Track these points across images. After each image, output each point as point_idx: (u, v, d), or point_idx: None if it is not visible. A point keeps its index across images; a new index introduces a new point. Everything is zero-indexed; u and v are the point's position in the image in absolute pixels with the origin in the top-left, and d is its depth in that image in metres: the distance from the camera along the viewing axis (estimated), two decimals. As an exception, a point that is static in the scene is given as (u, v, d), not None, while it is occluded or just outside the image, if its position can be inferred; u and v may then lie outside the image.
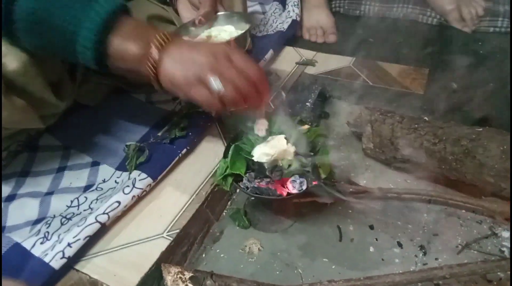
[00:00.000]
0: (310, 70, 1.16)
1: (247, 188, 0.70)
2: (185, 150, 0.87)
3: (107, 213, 0.73)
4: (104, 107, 1.01)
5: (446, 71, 0.95)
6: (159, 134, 0.88)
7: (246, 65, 0.69)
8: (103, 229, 0.72)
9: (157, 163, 0.83)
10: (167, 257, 0.71)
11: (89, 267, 0.68)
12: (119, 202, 0.74)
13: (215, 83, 0.65)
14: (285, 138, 0.70)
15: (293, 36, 1.31)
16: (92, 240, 0.71)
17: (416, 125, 0.81)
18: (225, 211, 0.84)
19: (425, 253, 0.74)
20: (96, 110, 1.01)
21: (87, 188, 0.83)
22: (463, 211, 0.80)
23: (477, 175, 0.74)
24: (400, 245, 0.76)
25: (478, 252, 0.73)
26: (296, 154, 0.71)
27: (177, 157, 0.85)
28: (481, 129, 0.75)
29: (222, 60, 0.67)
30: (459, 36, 1.24)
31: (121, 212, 0.75)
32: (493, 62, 0.92)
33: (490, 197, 0.76)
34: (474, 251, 0.73)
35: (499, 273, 0.64)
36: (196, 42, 0.73)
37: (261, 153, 0.68)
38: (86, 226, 0.70)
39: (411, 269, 0.72)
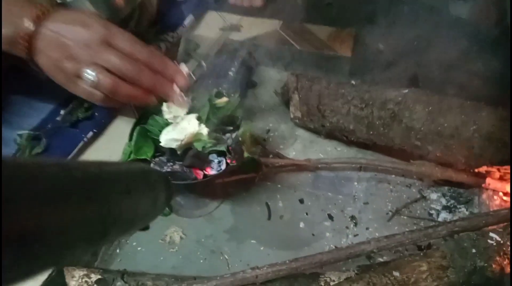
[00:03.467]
0: (235, 36, 1.06)
1: (159, 173, 0.62)
2: (91, 133, 0.76)
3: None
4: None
5: (373, 32, 0.91)
6: (59, 118, 0.76)
7: (133, 47, 0.60)
8: (-9, 234, 0.61)
9: (56, 152, 0.71)
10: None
11: (-27, 281, 0.57)
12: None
13: (90, 77, 0.58)
14: (198, 117, 0.61)
15: (216, -1, 1.20)
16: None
17: (343, 90, 0.77)
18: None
19: (356, 224, 0.71)
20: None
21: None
22: (393, 176, 0.78)
23: (404, 139, 0.72)
24: (331, 217, 0.72)
25: (408, 218, 0.72)
26: (212, 132, 0.63)
27: (82, 143, 0.74)
28: (406, 91, 0.71)
29: (97, 46, 0.59)
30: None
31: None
32: (420, 20, 0.89)
33: (418, 160, 0.74)
34: (404, 217, 0.72)
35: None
36: (74, 16, 0.62)
37: (169, 139, 0.59)
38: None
39: (342, 242, 0.69)
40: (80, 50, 0.59)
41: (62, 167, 0.22)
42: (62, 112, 0.78)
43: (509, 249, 0.51)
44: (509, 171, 0.69)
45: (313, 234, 0.70)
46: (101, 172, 0.25)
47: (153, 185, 0.30)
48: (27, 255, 0.18)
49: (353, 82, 0.82)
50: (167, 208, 0.72)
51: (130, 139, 0.63)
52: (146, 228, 0.37)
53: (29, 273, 0.19)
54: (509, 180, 0.68)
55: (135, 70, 0.61)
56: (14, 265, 0.17)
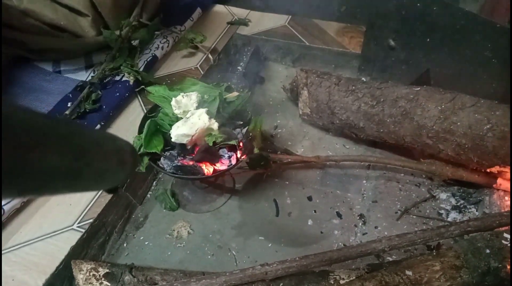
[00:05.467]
0: (243, 30, 1.05)
1: (168, 167, 0.61)
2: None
3: (1, 207, 0.61)
4: (2, 80, 0.86)
5: (384, 28, 0.89)
6: (67, 111, 0.75)
7: None
8: (-2, 226, 0.61)
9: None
10: (80, 252, 0.62)
11: (-20, 273, 0.57)
12: (17, 193, 0.62)
13: None
14: (208, 112, 0.60)
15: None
16: (-16, 240, 0.59)
17: (353, 87, 0.76)
18: (149, 193, 0.75)
19: (364, 222, 0.70)
20: (-9, 83, 0.85)
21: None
22: (402, 174, 0.78)
23: (415, 137, 0.71)
24: (339, 215, 0.71)
25: (417, 217, 0.71)
26: (222, 126, 0.62)
27: (89, 135, 0.73)
28: (419, 88, 0.70)
29: None
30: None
31: (21, 204, 0.63)
32: (432, 16, 0.87)
33: (428, 159, 0.73)
34: (414, 216, 0.71)
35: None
36: None
37: (180, 135, 0.58)
38: (-25, 224, 0.58)
39: (351, 240, 0.68)
40: None
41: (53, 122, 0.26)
42: (69, 104, 0.77)
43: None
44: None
45: (321, 232, 0.69)
46: (82, 129, 0.32)
47: (120, 146, 0.35)
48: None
49: (363, 78, 0.81)
50: (174, 203, 0.72)
51: (140, 132, 0.62)
52: (114, 189, 0.40)
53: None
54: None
55: None
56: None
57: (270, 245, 0.67)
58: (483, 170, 0.69)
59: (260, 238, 0.68)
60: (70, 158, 0.26)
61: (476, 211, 0.70)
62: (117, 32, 0.88)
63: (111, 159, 0.33)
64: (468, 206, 0.71)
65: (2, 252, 0.59)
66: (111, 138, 0.35)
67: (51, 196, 0.66)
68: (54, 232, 0.62)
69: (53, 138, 0.25)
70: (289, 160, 0.77)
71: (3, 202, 0.61)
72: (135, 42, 0.90)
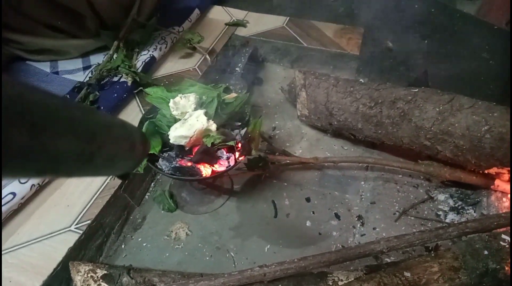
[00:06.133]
0: (241, 31, 1.05)
1: (166, 168, 0.61)
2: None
3: (1, 205, 0.60)
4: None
5: (382, 30, 0.90)
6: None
7: None
8: (-5, 228, 0.60)
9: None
10: (77, 253, 0.61)
11: (-24, 275, 0.57)
12: (14, 194, 0.62)
13: None
14: (205, 113, 0.60)
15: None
16: (-19, 241, 0.59)
17: (351, 88, 0.76)
18: (147, 194, 0.75)
19: (363, 223, 0.70)
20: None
21: (-25, 178, 0.69)
22: (400, 176, 0.78)
23: (413, 138, 0.71)
24: (337, 216, 0.72)
25: (415, 218, 0.71)
26: (220, 128, 0.62)
27: (87, 136, 0.73)
28: (417, 90, 0.71)
29: None
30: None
31: (18, 205, 0.63)
32: (429, 17, 0.88)
33: (426, 160, 0.73)
34: (412, 217, 0.71)
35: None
36: None
37: (178, 136, 0.58)
38: (-28, 226, 0.58)
39: (349, 242, 0.68)
40: None
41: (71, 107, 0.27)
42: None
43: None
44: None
45: (319, 233, 0.69)
46: (94, 113, 0.32)
47: (130, 132, 0.35)
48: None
49: (361, 80, 0.81)
50: (172, 204, 0.71)
51: (138, 133, 0.62)
52: (126, 175, 0.40)
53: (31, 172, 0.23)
54: (518, 182, 0.68)
55: None
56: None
57: (268, 246, 0.67)
58: (481, 172, 0.69)
59: (258, 239, 0.68)
60: (82, 140, 0.26)
61: (474, 212, 0.71)
62: (115, 33, 0.87)
63: (122, 143, 0.33)
64: (466, 208, 0.71)
65: (-1, 253, 0.59)
66: (121, 123, 0.35)
67: (66, 178, 0.66)
68: (52, 233, 0.61)
69: (66, 120, 0.25)
70: (287, 161, 0.77)
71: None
72: (132, 42, 0.90)
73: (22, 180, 0.64)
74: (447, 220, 0.70)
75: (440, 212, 0.72)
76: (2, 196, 0.62)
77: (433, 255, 0.53)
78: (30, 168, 0.22)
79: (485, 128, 0.62)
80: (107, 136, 0.30)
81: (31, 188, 0.64)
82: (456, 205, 0.72)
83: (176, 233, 0.68)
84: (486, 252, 0.50)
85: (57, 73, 0.89)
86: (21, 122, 0.20)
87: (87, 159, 0.27)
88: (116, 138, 0.32)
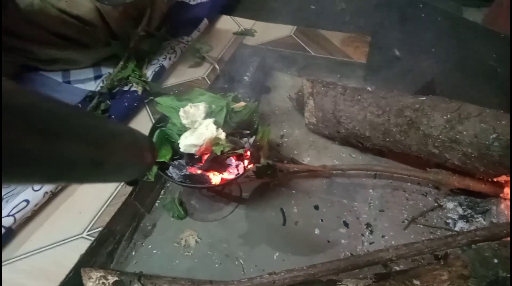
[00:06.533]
0: (248, 40, 1.07)
1: (176, 176, 0.61)
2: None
3: (12, 215, 0.62)
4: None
5: (389, 38, 0.90)
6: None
7: None
8: (9, 234, 0.62)
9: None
10: (89, 260, 0.62)
11: (-9, 280, 0.58)
12: (27, 201, 0.64)
13: None
14: (215, 122, 0.61)
15: (230, 3, 1.20)
16: (-5, 248, 0.60)
17: (359, 97, 0.76)
18: (157, 201, 0.76)
19: (371, 231, 0.71)
20: (1, 93, 0.86)
21: (-10, 186, 0.71)
22: (409, 184, 0.78)
23: (421, 146, 0.71)
24: (346, 224, 0.72)
25: (424, 226, 0.71)
26: (230, 136, 0.63)
27: (98, 144, 0.74)
28: (424, 98, 0.71)
29: None
30: (400, 1, 1.20)
31: (31, 212, 0.64)
32: (436, 26, 0.89)
33: (434, 168, 0.73)
34: (421, 225, 0.71)
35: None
36: None
37: (188, 145, 0.59)
38: (-14, 232, 0.59)
39: (358, 249, 0.68)
40: None
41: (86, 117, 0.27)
42: (79, 114, 0.78)
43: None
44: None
45: (328, 241, 0.69)
46: (104, 121, 0.34)
47: (139, 140, 0.36)
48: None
49: (369, 88, 0.82)
50: (182, 212, 0.72)
51: (149, 142, 0.63)
52: (134, 182, 0.41)
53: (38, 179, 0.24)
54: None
55: None
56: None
57: (277, 254, 0.67)
58: (489, 180, 0.69)
59: (267, 247, 0.69)
60: (93, 147, 0.27)
61: (484, 220, 0.70)
62: (125, 43, 0.89)
63: (130, 150, 0.34)
64: (475, 216, 0.71)
65: (13, 260, 0.60)
66: (130, 131, 0.36)
67: (78, 185, 0.67)
68: (64, 240, 0.62)
69: (77, 128, 0.26)
70: (296, 169, 0.78)
71: (14, 210, 0.62)
72: (142, 52, 0.92)
73: (36, 188, 0.66)
74: (456, 229, 0.70)
75: (449, 220, 0.71)
76: (17, 203, 0.63)
77: (442, 263, 0.53)
78: (42, 175, 0.23)
79: (493, 136, 0.62)
80: (117, 143, 0.31)
81: (44, 196, 0.66)
82: (465, 213, 0.72)
83: (185, 240, 0.69)
84: (495, 261, 0.50)
85: (69, 82, 0.91)
86: (34, 130, 0.21)
87: (97, 165, 0.28)
88: (125, 145, 0.33)
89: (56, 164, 0.24)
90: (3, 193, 0.69)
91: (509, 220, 0.66)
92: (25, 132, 0.21)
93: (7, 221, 0.61)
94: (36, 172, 0.23)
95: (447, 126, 0.67)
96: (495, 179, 0.68)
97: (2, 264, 0.59)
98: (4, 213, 0.62)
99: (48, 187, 0.66)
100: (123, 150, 0.32)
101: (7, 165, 0.20)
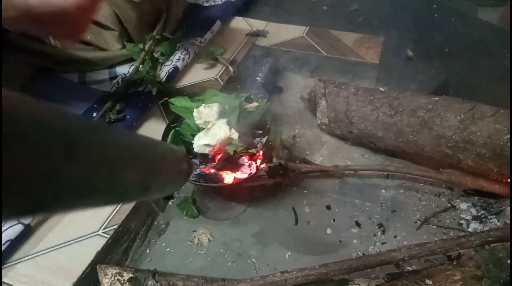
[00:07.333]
0: (261, 41, 1.07)
1: (191, 175, 0.62)
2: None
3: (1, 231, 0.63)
4: (28, 91, 0.89)
5: (402, 38, 0.90)
6: (92, 119, 0.78)
7: None
8: (28, 231, 0.63)
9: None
10: (105, 257, 0.64)
11: (11, 275, 0.60)
12: (45, 199, 0.65)
13: None
14: (228, 122, 0.62)
15: (242, 5, 1.21)
16: (15, 244, 0.62)
17: (371, 97, 0.76)
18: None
19: (383, 232, 0.71)
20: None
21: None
22: (421, 184, 0.78)
23: (434, 147, 0.71)
24: (358, 224, 0.72)
25: (437, 227, 0.71)
26: (242, 136, 0.64)
27: (113, 144, 0.76)
28: (437, 98, 0.71)
29: None
30: (413, 1, 1.19)
31: (49, 210, 0.66)
32: (450, 26, 0.88)
33: (448, 169, 0.73)
34: (433, 226, 0.71)
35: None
36: None
37: (202, 145, 0.60)
38: (6, 229, 0.61)
39: (370, 250, 0.68)
40: None
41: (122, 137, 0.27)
42: (95, 114, 0.80)
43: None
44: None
45: (340, 241, 0.70)
46: (148, 142, 0.32)
47: (179, 157, 0.36)
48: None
49: (381, 88, 0.82)
50: (195, 210, 0.73)
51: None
52: (171, 196, 0.42)
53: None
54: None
55: None
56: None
57: (289, 253, 0.68)
58: (503, 180, 0.69)
59: (279, 246, 0.69)
60: (143, 173, 0.28)
61: (497, 221, 0.70)
62: (141, 45, 0.91)
63: (172, 169, 0.35)
64: (489, 216, 0.71)
65: (31, 256, 0.62)
66: (171, 150, 0.37)
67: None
68: (81, 237, 0.64)
69: (132, 156, 0.26)
70: (308, 169, 0.78)
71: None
72: (157, 54, 0.93)
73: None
74: (469, 229, 0.70)
75: (462, 221, 0.71)
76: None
77: (455, 263, 0.53)
78: (100, 202, 0.24)
79: (507, 136, 0.62)
80: (162, 166, 0.32)
81: (61, 194, 0.67)
82: (479, 214, 0.71)
83: (198, 239, 0.70)
84: (509, 262, 0.49)
85: (84, 83, 0.92)
86: (103, 168, 0.22)
87: (146, 189, 0.29)
88: (168, 165, 0.34)
89: (116, 191, 0.25)
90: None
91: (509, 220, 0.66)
92: (96, 169, 0.22)
93: (26, 219, 0.63)
94: (100, 200, 0.24)
95: (461, 126, 0.66)
96: (508, 180, 0.68)
97: (22, 260, 0.61)
98: (23, 211, 0.63)
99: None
100: (167, 171, 0.33)
101: (78, 200, 0.21)
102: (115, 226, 0.65)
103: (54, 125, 0.20)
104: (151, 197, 0.37)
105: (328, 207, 0.75)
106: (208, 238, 0.70)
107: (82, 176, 0.20)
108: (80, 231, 0.65)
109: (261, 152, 0.64)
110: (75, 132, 0.21)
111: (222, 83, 0.93)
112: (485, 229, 0.69)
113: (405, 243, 0.68)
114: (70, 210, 0.22)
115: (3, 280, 0.59)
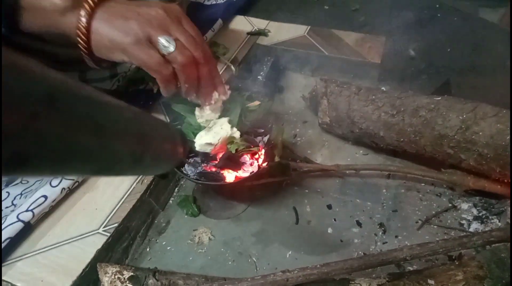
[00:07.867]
0: (262, 40, 1.07)
1: (192, 173, 0.62)
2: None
3: (31, 210, 0.63)
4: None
5: (404, 38, 0.90)
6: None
7: (197, 34, 0.59)
8: (28, 229, 0.63)
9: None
10: (105, 255, 0.63)
11: (10, 273, 0.59)
12: (45, 197, 0.65)
13: (166, 42, 0.53)
14: (229, 121, 0.62)
15: (244, 4, 1.21)
16: (15, 242, 0.61)
17: (373, 97, 0.76)
18: (171, 199, 0.77)
19: (384, 231, 0.70)
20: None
21: (9, 181, 0.72)
22: (423, 184, 0.77)
23: (436, 147, 0.71)
24: (359, 224, 0.72)
25: (438, 227, 0.70)
26: (244, 134, 0.63)
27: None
28: (439, 98, 0.71)
29: (173, 19, 0.56)
30: (415, 1, 1.19)
31: (49, 207, 0.66)
32: (451, 26, 0.88)
33: (449, 169, 0.73)
34: (434, 226, 0.71)
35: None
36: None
37: (203, 144, 0.60)
38: (6, 226, 0.61)
39: (371, 249, 0.68)
40: (154, 17, 0.55)
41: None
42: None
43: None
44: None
45: (341, 240, 0.69)
46: (142, 114, 0.33)
47: (173, 133, 0.36)
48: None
49: (383, 88, 0.81)
50: (195, 209, 0.73)
51: (164, 139, 0.64)
52: (165, 175, 0.42)
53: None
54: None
55: (201, 55, 0.58)
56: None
57: (290, 252, 0.68)
58: (505, 181, 0.68)
59: (280, 245, 0.69)
60: (135, 141, 0.28)
61: (499, 222, 0.70)
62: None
63: (166, 144, 0.34)
64: (490, 217, 0.71)
65: (31, 254, 0.62)
66: (165, 124, 0.36)
67: (116, 177, 0.69)
68: (81, 235, 0.64)
69: (122, 122, 0.26)
70: (309, 168, 0.78)
71: (33, 206, 0.64)
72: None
73: (53, 184, 0.67)
74: (471, 229, 0.69)
75: (463, 221, 0.71)
76: (35, 198, 0.64)
77: (457, 263, 0.52)
78: (89, 168, 0.24)
79: (509, 136, 0.62)
80: (155, 137, 0.32)
81: (61, 192, 0.67)
82: (480, 214, 0.71)
83: (199, 237, 0.70)
84: (510, 262, 0.49)
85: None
86: (88, 126, 0.22)
87: (138, 158, 0.29)
88: (162, 139, 0.34)
89: (103, 158, 0.24)
90: (22, 189, 0.71)
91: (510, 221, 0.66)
92: (79, 129, 0.21)
93: (26, 216, 0.63)
94: (85, 166, 0.23)
95: (463, 126, 0.66)
96: (510, 180, 0.67)
97: (22, 258, 0.61)
98: (23, 208, 0.63)
99: (66, 183, 0.68)
100: (160, 143, 0.33)
101: (64, 159, 0.21)
102: (116, 225, 0.65)
103: (36, 74, 0.20)
104: (145, 172, 0.36)
105: (329, 207, 0.74)
106: (209, 237, 0.70)
107: (65, 129, 0.20)
108: (80, 229, 0.65)
109: (262, 151, 0.64)
110: (58, 84, 0.21)
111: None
112: (486, 229, 0.69)
113: (406, 243, 0.68)
114: (56, 173, 0.21)
115: (3, 278, 0.59)
